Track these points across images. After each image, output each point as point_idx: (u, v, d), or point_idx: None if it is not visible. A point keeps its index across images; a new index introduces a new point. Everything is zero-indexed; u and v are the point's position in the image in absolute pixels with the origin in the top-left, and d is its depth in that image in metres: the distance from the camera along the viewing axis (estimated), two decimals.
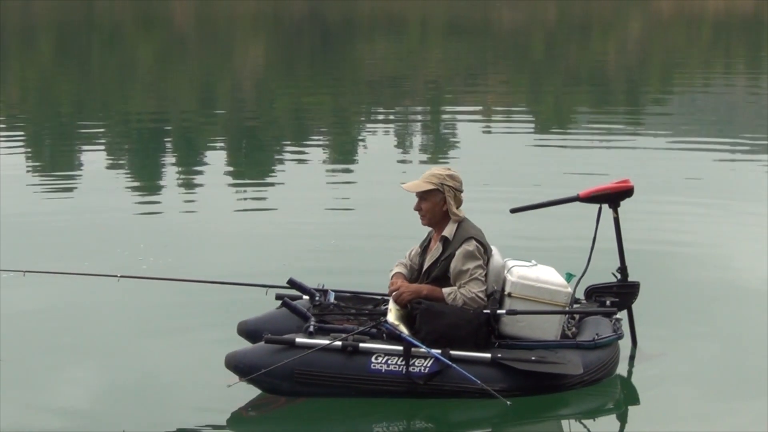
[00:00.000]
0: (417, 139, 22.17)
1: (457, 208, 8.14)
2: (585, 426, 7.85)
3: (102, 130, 22.86)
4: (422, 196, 8.13)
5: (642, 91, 31.10)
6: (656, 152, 18.94)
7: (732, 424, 7.74)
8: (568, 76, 34.92)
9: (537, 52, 44.79)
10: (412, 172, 17.51)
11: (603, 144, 20.20)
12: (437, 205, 8.12)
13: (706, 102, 28.72)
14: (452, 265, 8.02)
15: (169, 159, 19.43)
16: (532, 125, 24.26)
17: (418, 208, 8.20)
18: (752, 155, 19.05)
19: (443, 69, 37.07)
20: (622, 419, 8.01)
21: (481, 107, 27.02)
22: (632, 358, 8.73)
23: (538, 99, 29.41)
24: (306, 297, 8.48)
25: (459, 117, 24.85)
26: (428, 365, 7.78)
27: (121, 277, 8.57)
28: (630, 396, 8.31)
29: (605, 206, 8.72)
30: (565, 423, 7.89)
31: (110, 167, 18.11)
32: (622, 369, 8.44)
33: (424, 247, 8.36)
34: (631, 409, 8.14)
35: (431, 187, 8.10)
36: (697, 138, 21.06)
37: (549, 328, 8.08)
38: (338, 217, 14.02)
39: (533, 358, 7.87)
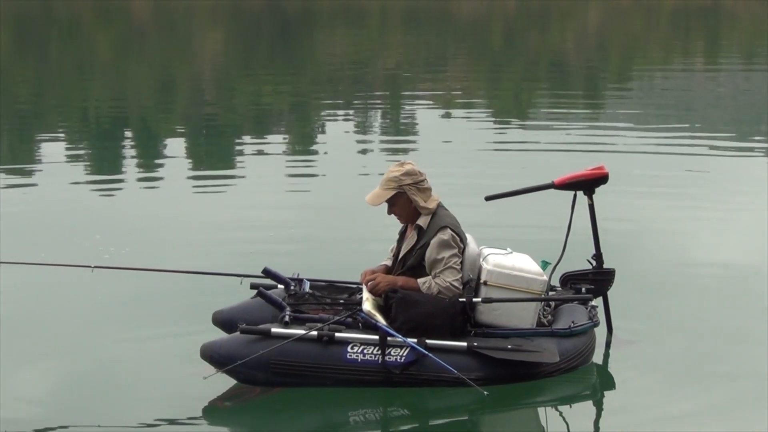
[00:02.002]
0: (377, 128, 22.14)
1: (427, 198, 8.09)
2: (561, 413, 7.84)
3: (61, 122, 22.69)
4: (389, 202, 8.10)
5: (601, 79, 31.20)
6: (617, 139, 19.03)
7: (706, 409, 7.76)
8: (527, 65, 34.98)
9: (496, 41, 44.86)
10: (374, 161, 17.56)
11: (563, 132, 20.26)
12: (405, 206, 8.10)
13: (665, 89, 28.85)
14: (427, 254, 8.00)
15: (129, 150, 19.33)
16: (492, 113, 24.29)
17: (390, 213, 8.19)
18: (712, 141, 19.15)
19: (403, 58, 37.02)
20: (598, 406, 8.02)
21: (441, 95, 27.01)
22: (608, 344, 8.75)
23: (498, 87, 29.44)
24: (281, 286, 8.45)
25: (419, 105, 24.85)
26: (404, 354, 7.76)
27: (95, 267, 8.50)
28: (606, 383, 8.32)
29: (580, 193, 8.72)
30: (541, 410, 7.89)
31: (69, 159, 17.98)
32: (597, 356, 8.45)
33: (401, 235, 8.33)
34: (607, 396, 8.15)
35: (392, 192, 8.06)
36: (656, 125, 21.15)
37: (525, 316, 8.06)
38: (301, 206, 13.99)
39: (509, 346, 7.85)
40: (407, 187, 8.03)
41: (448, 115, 23.60)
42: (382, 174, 8.17)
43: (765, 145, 19.20)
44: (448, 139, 19.40)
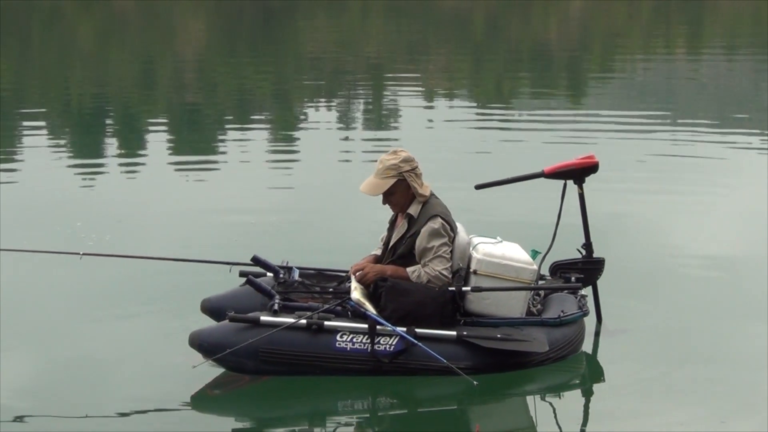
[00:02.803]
0: (360, 116, 22.13)
1: (421, 184, 8.07)
2: (550, 403, 7.83)
3: (42, 109, 22.59)
4: (388, 191, 8.04)
5: (583, 68, 31.23)
6: (600, 128, 19.06)
7: (694, 397, 7.75)
8: (509, 54, 34.98)
9: (479, 29, 44.84)
10: (356, 148, 17.54)
11: (545, 121, 20.29)
12: (404, 193, 8.04)
13: (647, 78, 28.90)
14: (417, 242, 7.97)
15: (111, 138, 19.30)
16: (475, 102, 24.31)
17: (386, 203, 8.12)
18: (695, 129, 19.20)
19: (385, 48, 36.99)
20: (588, 395, 8.02)
21: (423, 84, 27.02)
22: (597, 334, 8.75)
23: (480, 76, 29.44)
24: (270, 274, 8.42)
25: (401, 94, 24.84)
26: (393, 343, 7.74)
27: (84, 254, 8.47)
28: (595, 372, 8.32)
29: (570, 182, 8.71)
30: (530, 400, 7.87)
31: (50, 147, 17.94)
32: (587, 345, 8.46)
33: (391, 224, 8.30)
34: (596, 386, 8.15)
35: (392, 181, 8.00)
36: (639, 114, 21.19)
37: (514, 306, 8.05)
38: (286, 193, 14.03)
39: (498, 335, 7.84)
40: (407, 174, 7.99)
41: (430, 104, 23.64)
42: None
43: (748, 132, 19.22)
44: (432, 127, 19.42)
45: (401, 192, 8.02)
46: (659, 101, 23.87)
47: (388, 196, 8.06)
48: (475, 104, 23.89)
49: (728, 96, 25.37)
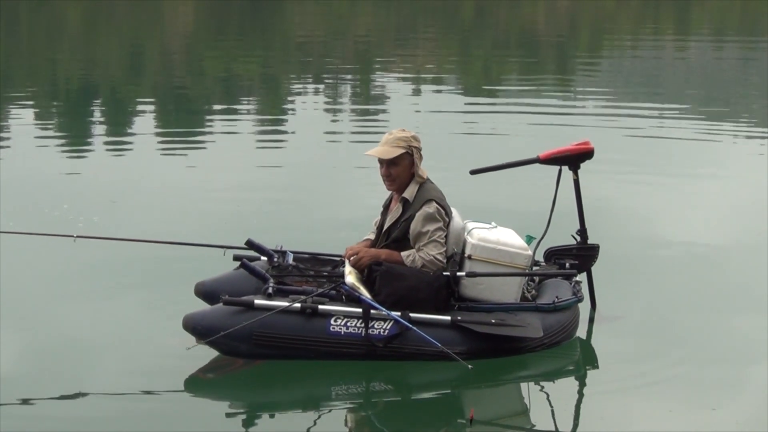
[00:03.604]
0: (348, 99, 22.12)
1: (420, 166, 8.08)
2: (544, 388, 7.81)
3: (28, 91, 22.50)
4: (392, 161, 8.01)
5: (571, 56, 31.23)
6: (588, 113, 19.10)
7: (692, 387, 7.74)
8: (497, 39, 34.96)
9: (467, 16, 44.79)
10: (344, 132, 17.53)
11: (533, 105, 20.30)
12: (407, 169, 8.02)
13: (635, 66, 28.93)
14: (412, 227, 7.95)
15: (98, 120, 19.25)
16: (462, 86, 24.29)
17: (387, 174, 8.06)
18: (685, 115, 19.24)
19: (373, 32, 36.93)
20: (581, 381, 8.01)
21: (411, 68, 26.98)
22: (591, 320, 8.75)
23: (468, 60, 29.42)
24: (264, 258, 8.39)
25: (389, 78, 24.82)
26: (388, 328, 7.72)
27: (78, 237, 8.44)
28: (589, 358, 8.32)
29: (565, 168, 8.69)
30: (524, 385, 7.86)
31: (37, 128, 17.88)
32: (581, 331, 8.46)
33: (385, 208, 8.28)
34: (590, 372, 8.14)
35: (401, 151, 7.98)
36: (627, 99, 21.21)
37: (509, 291, 8.05)
38: (277, 176, 14.03)
39: (493, 320, 7.83)
40: (414, 150, 7.99)
41: (418, 88, 23.61)
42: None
43: (734, 119, 19.26)
44: (419, 110, 19.41)
45: (405, 166, 8.00)
46: (647, 87, 23.91)
47: (391, 167, 8.01)
48: (462, 89, 23.88)
49: (715, 82, 25.41)
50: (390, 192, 8.26)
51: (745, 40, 35.44)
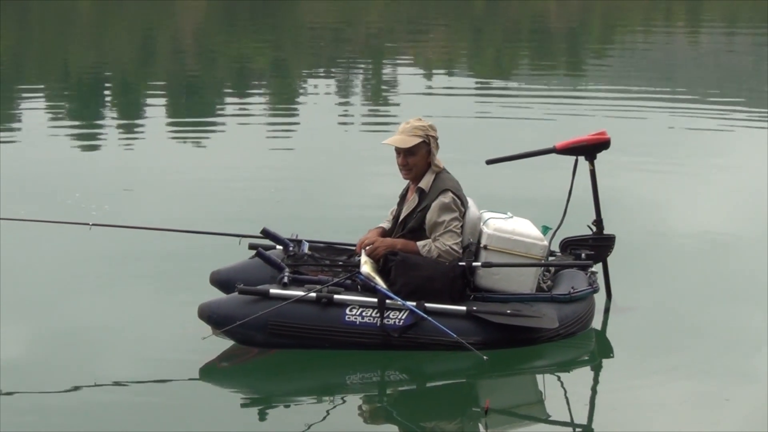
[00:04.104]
0: (359, 89, 22.10)
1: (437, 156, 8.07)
2: (559, 379, 7.79)
3: (41, 80, 22.54)
4: (409, 150, 7.99)
5: (582, 45, 31.17)
6: (600, 103, 19.04)
7: (707, 377, 7.72)
8: (508, 31, 34.91)
9: (478, 3, 44.72)
10: (357, 119, 17.51)
11: (545, 95, 20.26)
12: (424, 158, 8.01)
13: (646, 55, 28.86)
14: (428, 216, 7.94)
15: (110, 109, 19.26)
16: (474, 77, 24.26)
17: (404, 163, 8.05)
18: (698, 104, 19.20)
19: (384, 23, 36.89)
20: (597, 371, 8.00)
21: (422, 57, 26.95)
22: (607, 311, 8.74)
23: (480, 50, 29.38)
24: (279, 247, 8.39)
25: (400, 66, 24.79)
26: (403, 317, 7.71)
27: (93, 225, 8.43)
28: (604, 349, 8.30)
29: (581, 158, 8.67)
30: (539, 376, 7.85)
31: (50, 117, 17.95)
32: (596, 322, 8.45)
33: (401, 198, 8.27)
34: (606, 362, 8.13)
35: (419, 140, 7.97)
36: (639, 87, 21.17)
37: (524, 281, 8.04)
38: (290, 165, 14.03)
39: (508, 311, 7.82)
40: (431, 139, 7.97)
41: (429, 77, 23.57)
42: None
43: (748, 109, 19.22)
44: (431, 103, 19.39)
45: (422, 155, 8.00)
46: (659, 76, 23.85)
47: (409, 156, 8.00)
48: (474, 78, 23.84)
49: (728, 70, 25.35)
50: (406, 182, 8.24)
51: (759, 26, 35.35)
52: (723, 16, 40.79)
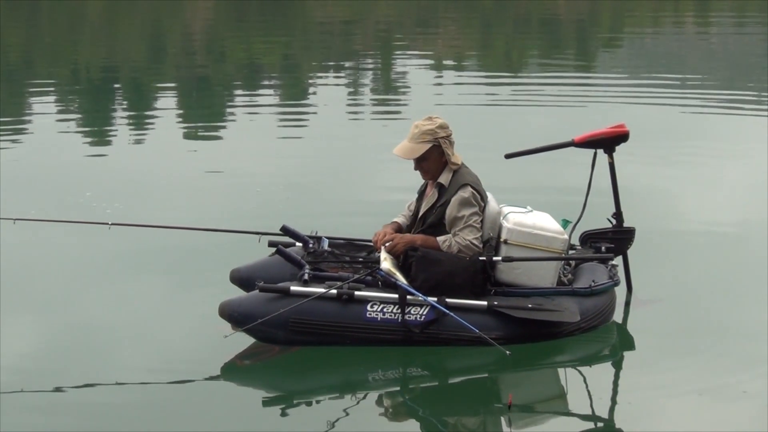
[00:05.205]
0: (370, 85, 22.08)
1: (453, 153, 8.02)
2: (581, 373, 7.80)
3: (51, 78, 22.56)
4: (421, 157, 7.97)
5: (592, 36, 31.12)
6: (612, 96, 19.03)
7: (727, 370, 7.70)
8: (518, 22, 34.87)
9: (487, 4, 44.68)
10: (369, 114, 17.48)
11: (555, 88, 20.25)
12: (437, 160, 7.99)
13: (656, 46, 28.82)
14: (447, 212, 7.92)
15: (121, 107, 19.27)
16: (484, 71, 24.24)
17: (418, 168, 8.05)
18: (709, 96, 19.16)
19: (394, 18, 36.86)
20: (618, 365, 7.99)
21: (432, 51, 26.93)
22: (628, 304, 8.72)
23: (490, 44, 29.35)
24: (299, 244, 8.37)
25: (410, 61, 24.78)
26: (424, 313, 7.70)
27: (113, 224, 8.44)
28: (625, 342, 8.29)
29: (600, 151, 8.64)
30: (561, 370, 7.84)
31: (60, 116, 17.98)
32: (617, 315, 8.43)
33: (420, 194, 8.25)
34: (627, 356, 8.12)
35: (427, 146, 7.94)
36: (649, 80, 21.14)
37: (545, 275, 8.02)
38: (305, 162, 14.03)
39: (530, 305, 7.80)
40: (442, 140, 7.94)
41: (440, 72, 23.56)
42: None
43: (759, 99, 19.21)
44: (442, 96, 19.37)
45: (435, 158, 7.96)
46: (669, 68, 23.80)
47: (421, 162, 8.00)
48: (486, 70, 23.82)
49: (737, 62, 25.31)
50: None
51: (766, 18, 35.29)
52: (732, 8, 40.70)
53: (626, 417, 7.04)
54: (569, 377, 7.72)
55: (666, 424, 6.93)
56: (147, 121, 17.84)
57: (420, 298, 7.66)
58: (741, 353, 7.94)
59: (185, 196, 12.20)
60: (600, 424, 7.00)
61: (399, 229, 8.21)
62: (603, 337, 8.11)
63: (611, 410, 7.18)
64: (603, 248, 8.47)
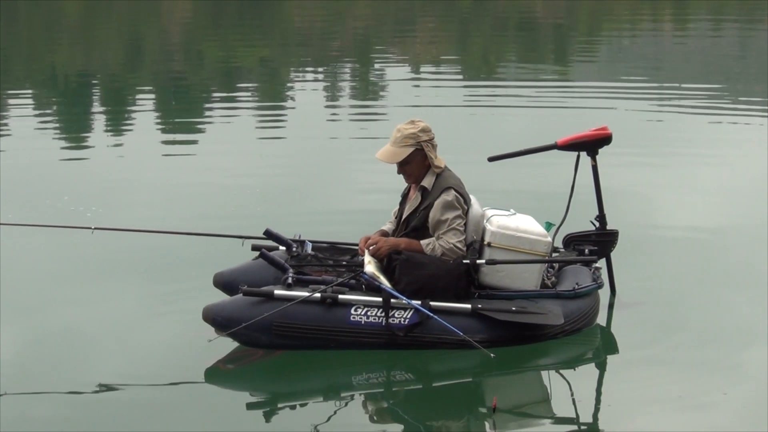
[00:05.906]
0: (348, 88, 22.09)
1: (436, 156, 8.02)
2: (565, 375, 7.80)
3: (27, 82, 22.47)
4: (404, 161, 7.97)
5: (570, 38, 31.19)
6: (590, 98, 19.07)
7: (709, 372, 7.71)
8: (496, 25, 34.91)
9: (465, 3, 44.73)
10: (344, 120, 17.47)
11: (533, 91, 20.28)
12: (420, 164, 7.98)
13: (634, 48, 28.91)
14: (431, 215, 7.91)
15: (97, 111, 19.20)
16: (462, 73, 24.26)
17: (401, 172, 8.04)
18: (685, 98, 19.23)
19: (371, 20, 36.86)
20: (602, 368, 7.98)
21: (409, 55, 26.95)
22: (611, 306, 8.73)
23: (467, 47, 29.37)
24: (283, 248, 8.35)
25: (388, 65, 24.78)
26: (408, 316, 7.69)
27: (95, 229, 8.40)
28: (609, 344, 8.30)
29: (583, 154, 8.66)
30: (545, 373, 7.83)
31: (36, 119, 17.89)
32: (601, 318, 8.44)
33: (404, 197, 8.24)
34: (611, 358, 8.11)
35: (410, 150, 7.92)
36: (627, 84, 21.20)
37: (529, 278, 8.02)
38: (284, 165, 14.00)
39: (513, 308, 7.80)
40: (424, 144, 7.92)
41: (418, 75, 23.56)
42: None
43: (735, 100, 19.27)
44: (419, 99, 19.38)
45: (417, 162, 7.95)
46: (647, 70, 23.88)
47: (404, 166, 7.98)
48: (462, 75, 23.83)
49: (715, 64, 25.40)
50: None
51: (743, 20, 35.42)
52: (709, 10, 40.85)
53: (610, 419, 7.04)
54: (553, 380, 7.71)
55: (648, 426, 6.93)
56: (125, 123, 17.79)
57: (404, 301, 7.66)
58: (723, 356, 7.95)
59: (165, 200, 12.17)
60: (584, 427, 6.99)
61: (385, 236, 8.20)
62: (587, 339, 8.11)
63: (595, 412, 7.18)
64: (586, 251, 8.48)
